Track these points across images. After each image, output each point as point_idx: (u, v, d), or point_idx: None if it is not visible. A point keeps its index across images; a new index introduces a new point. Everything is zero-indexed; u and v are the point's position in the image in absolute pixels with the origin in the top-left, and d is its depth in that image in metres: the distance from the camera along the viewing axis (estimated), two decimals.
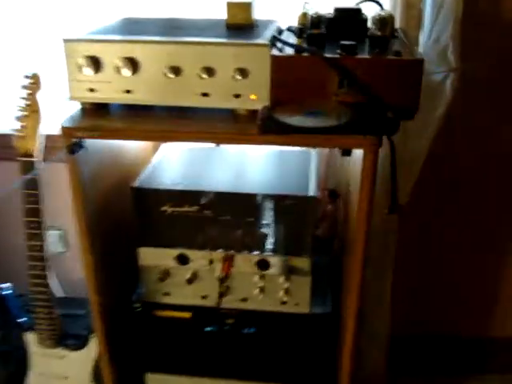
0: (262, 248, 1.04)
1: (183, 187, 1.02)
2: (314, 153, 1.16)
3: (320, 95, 0.85)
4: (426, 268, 1.56)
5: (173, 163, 1.14)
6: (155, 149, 1.20)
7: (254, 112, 0.87)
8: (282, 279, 1.06)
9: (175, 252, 1.06)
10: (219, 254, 1.04)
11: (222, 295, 1.05)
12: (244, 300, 1.10)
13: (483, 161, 1.41)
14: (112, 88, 0.89)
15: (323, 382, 1.13)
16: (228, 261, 1.03)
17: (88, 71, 0.88)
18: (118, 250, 1.14)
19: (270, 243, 1.03)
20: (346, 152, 0.83)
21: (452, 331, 1.68)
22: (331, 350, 1.15)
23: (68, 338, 1.36)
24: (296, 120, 0.80)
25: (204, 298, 1.11)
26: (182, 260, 1.06)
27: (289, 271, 1.05)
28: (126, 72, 0.87)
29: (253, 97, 0.86)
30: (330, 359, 1.14)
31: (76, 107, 0.93)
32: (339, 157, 1.32)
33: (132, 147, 1.17)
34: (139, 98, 0.89)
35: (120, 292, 1.16)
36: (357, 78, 0.82)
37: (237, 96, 0.87)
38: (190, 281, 1.08)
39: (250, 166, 1.13)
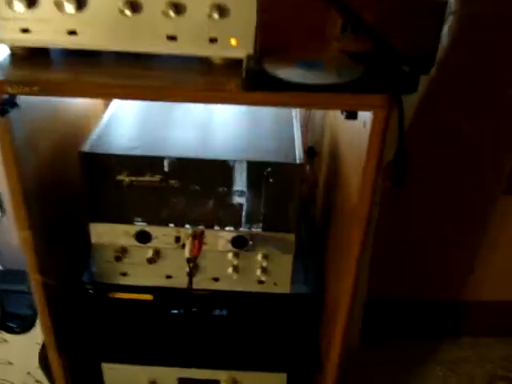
0: (237, 223, 0.88)
1: (143, 152, 0.84)
2: (295, 110, 1.00)
3: (317, 41, 0.68)
4: (401, 230, 1.45)
5: (128, 121, 0.96)
6: (106, 103, 1.01)
7: (234, 62, 0.69)
8: (259, 257, 0.92)
9: (134, 228, 0.89)
10: (187, 230, 0.88)
11: (191, 276, 0.89)
12: (215, 280, 0.96)
13: (481, 108, 1.28)
14: (52, 28, 0.70)
15: (305, 368, 1.01)
16: (198, 238, 0.87)
17: (19, 6, 0.68)
18: (65, 223, 0.97)
19: (247, 217, 0.87)
20: (352, 115, 0.67)
21: (425, 295, 1.61)
22: (314, 333, 1.03)
23: (10, 318, 1.18)
24: (290, 73, 0.64)
25: (168, 277, 0.96)
26: (143, 238, 0.89)
27: (270, 249, 0.90)
28: (70, 8, 0.67)
29: (233, 42, 0.68)
30: (312, 343, 1.02)
31: (4, 53, 0.73)
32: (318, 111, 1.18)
33: (79, 102, 0.98)
34: (87, 41, 0.70)
35: (68, 270, 0.99)
36: (363, 21, 0.66)
37: (212, 40, 0.69)
38: (151, 260, 0.92)
39: (223, 125, 0.96)
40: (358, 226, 0.78)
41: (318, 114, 1.18)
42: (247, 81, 0.63)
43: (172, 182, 0.84)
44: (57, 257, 0.93)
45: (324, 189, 1.12)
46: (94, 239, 0.91)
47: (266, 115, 0.98)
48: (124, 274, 0.96)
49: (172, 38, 0.69)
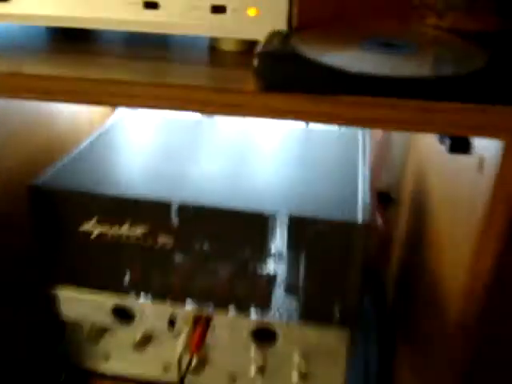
0: (264, 305, 0.57)
1: (121, 192, 0.55)
2: (362, 135, 0.69)
3: (397, 14, 0.38)
4: None
5: (120, 145, 0.67)
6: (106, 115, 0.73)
7: (252, 46, 0.40)
8: (296, 356, 0.61)
9: (109, 302, 0.60)
10: (186, 310, 0.59)
11: (183, 378, 0.59)
12: (232, 379, 0.65)
13: None
14: None
15: None
16: (200, 326, 0.57)
17: None
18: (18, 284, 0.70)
19: (280, 298, 0.57)
20: (460, 145, 0.36)
21: None
22: None
23: None
24: (350, 59, 0.33)
25: (165, 368, 0.66)
26: (121, 315, 0.61)
27: (312, 347, 0.59)
28: None
29: (251, 12, 0.39)
30: None
31: None
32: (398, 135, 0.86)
33: (62, 110, 0.71)
34: (19, 10, 0.43)
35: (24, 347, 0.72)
36: None
37: (218, 9, 0.40)
38: (139, 344, 0.63)
39: (251, 155, 0.66)
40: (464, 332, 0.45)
41: (397, 139, 0.86)
42: (264, 73, 0.33)
43: (164, 239, 0.55)
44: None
45: (403, 248, 0.79)
46: (63, 310, 0.63)
47: (320, 143, 0.67)
48: (107, 358, 0.67)
49: (151, 5, 0.41)
